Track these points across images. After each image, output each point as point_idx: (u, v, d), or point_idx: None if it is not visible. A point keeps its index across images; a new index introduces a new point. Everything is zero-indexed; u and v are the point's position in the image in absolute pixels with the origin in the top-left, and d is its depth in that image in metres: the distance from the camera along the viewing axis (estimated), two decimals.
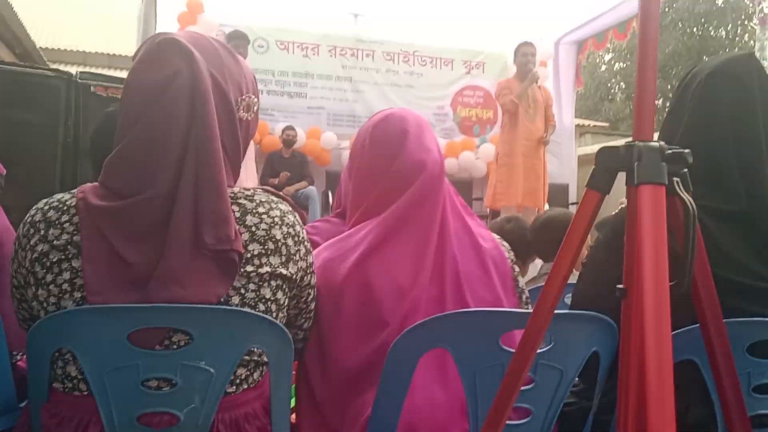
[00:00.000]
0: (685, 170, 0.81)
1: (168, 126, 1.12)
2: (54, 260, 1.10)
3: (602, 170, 0.84)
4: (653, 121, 0.80)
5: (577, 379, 1.39)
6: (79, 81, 4.60)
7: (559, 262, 0.86)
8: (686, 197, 0.78)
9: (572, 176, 8.89)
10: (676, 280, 0.75)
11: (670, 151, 0.78)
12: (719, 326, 0.87)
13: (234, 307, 1.14)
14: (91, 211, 1.12)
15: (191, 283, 1.10)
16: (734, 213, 1.33)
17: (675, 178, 0.79)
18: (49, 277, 1.10)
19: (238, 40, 5.93)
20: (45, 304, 1.10)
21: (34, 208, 1.18)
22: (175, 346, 1.10)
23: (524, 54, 6.05)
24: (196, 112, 1.13)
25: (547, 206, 6.74)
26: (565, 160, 8.89)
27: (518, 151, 5.87)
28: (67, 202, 1.16)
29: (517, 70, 6.15)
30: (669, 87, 20.01)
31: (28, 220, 1.16)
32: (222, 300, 1.13)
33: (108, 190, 1.14)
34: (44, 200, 1.19)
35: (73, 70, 5.08)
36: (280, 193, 1.35)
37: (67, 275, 1.09)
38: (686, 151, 0.79)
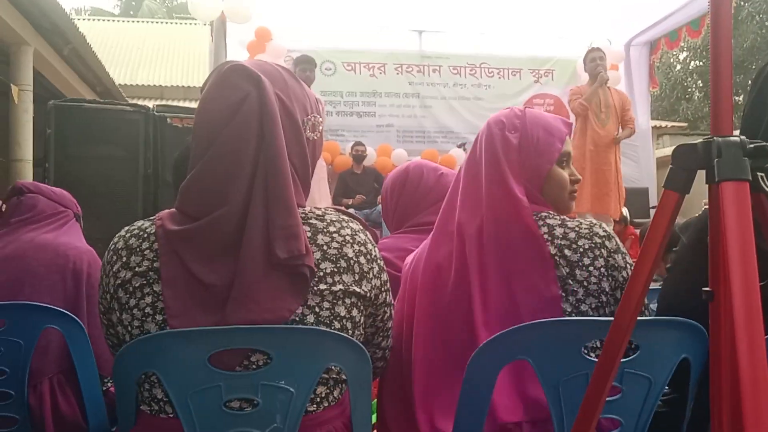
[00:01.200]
0: None
1: (239, 147, 1.15)
2: (136, 285, 1.14)
3: (680, 169, 0.80)
4: (731, 115, 0.77)
5: (667, 387, 1.34)
6: (156, 114, 4.77)
7: (640, 267, 0.83)
8: None
9: (651, 180, 8.65)
10: (766, 280, 0.71)
11: (752, 146, 0.74)
12: None
13: (310, 326, 1.15)
14: (168, 236, 1.16)
15: (265, 299, 1.12)
16: None
17: (759, 173, 0.75)
18: (132, 302, 1.13)
19: (305, 64, 6.04)
20: (129, 328, 1.14)
21: (117, 236, 1.23)
22: (254, 367, 1.12)
23: (593, 59, 5.99)
24: (264, 133, 1.16)
25: (626, 211, 6.59)
26: (643, 164, 8.67)
27: (586, 157, 5.74)
28: (147, 230, 1.20)
29: (589, 76, 6.07)
30: (749, 82, 19.26)
31: (112, 248, 1.21)
32: (297, 318, 1.14)
33: (184, 214, 1.18)
34: (126, 228, 1.23)
35: (150, 104, 5.27)
36: (351, 212, 1.37)
37: (149, 299, 1.13)
38: None
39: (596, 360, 1.21)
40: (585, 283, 1.40)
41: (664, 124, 14.39)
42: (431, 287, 1.49)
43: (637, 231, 7.26)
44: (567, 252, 1.41)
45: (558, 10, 7.70)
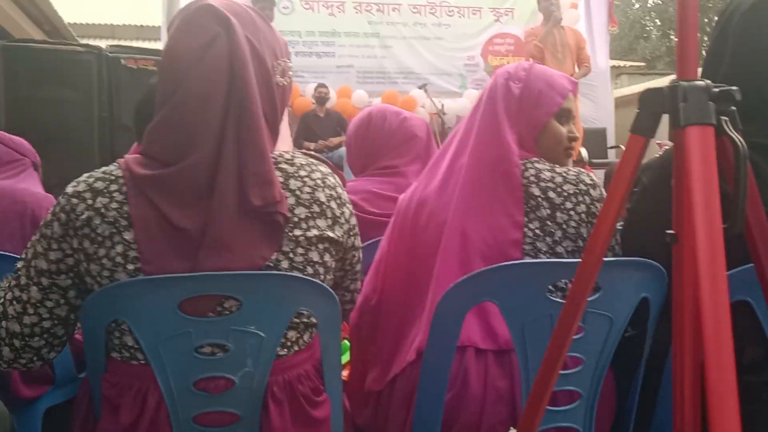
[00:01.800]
0: (734, 108, 0.78)
1: (208, 90, 1.12)
2: (105, 234, 1.10)
3: (646, 113, 0.81)
4: (697, 60, 0.77)
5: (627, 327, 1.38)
6: (110, 54, 4.62)
7: (606, 209, 0.85)
8: (736, 136, 0.76)
9: (609, 119, 8.71)
10: (728, 221, 0.73)
11: (717, 90, 0.75)
12: None
13: (280, 272, 1.15)
14: (137, 181, 1.12)
15: (239, 246, 1.12)
16: None
17: (723, 117, 0.76)
18: (101, 252, 1.10)
19: (264, 2, 5.89)
20: (98, 278, 1.11)
21: (74, 181, 1.17)
22: (228, 312, 1.12)
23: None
24: (235, 77, 1.13)
25: (584, 151, 6.67)
26: (602, 104, 8.70)
27: None
28: (113, 173, 1.15)
29: (543, 17, 6.07)
30: (706, 21, 19.41)
31: (71, 192, 1.14)
32: (271, 264, 1.14)
33: (151, 158, 1.14)
34: (85, 175, 1.18)
35: (102, 44, 5.10)
36: (317, 155, 1.36)
37: (119, 248, 1.10)
38: (734, 88, 0.76)
39: (561, 301, 1.24)
40: (564, 226, 1.46)
41: (622, 63, 14.44)
42: (411, 223, 1.56)
43: (595, 171, 7.37)
44: (551, 194, 1.47)
45: None
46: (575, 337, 1.27)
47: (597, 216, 1.44)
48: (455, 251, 1.45)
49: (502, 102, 1.56)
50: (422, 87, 7.85)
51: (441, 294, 1.31)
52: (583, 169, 1.54)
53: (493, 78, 1.63)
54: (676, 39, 0.78)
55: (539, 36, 5.83)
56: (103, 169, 1.18)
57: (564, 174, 1.50)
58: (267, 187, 1.12)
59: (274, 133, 1.25)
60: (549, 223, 1.46)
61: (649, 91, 0.81)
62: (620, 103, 9.57)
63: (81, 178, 1.17)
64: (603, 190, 1.51)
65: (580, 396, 1.33)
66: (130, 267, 1.10)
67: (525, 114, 1.56)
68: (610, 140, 8.44)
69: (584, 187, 1.49)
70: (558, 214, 1.46)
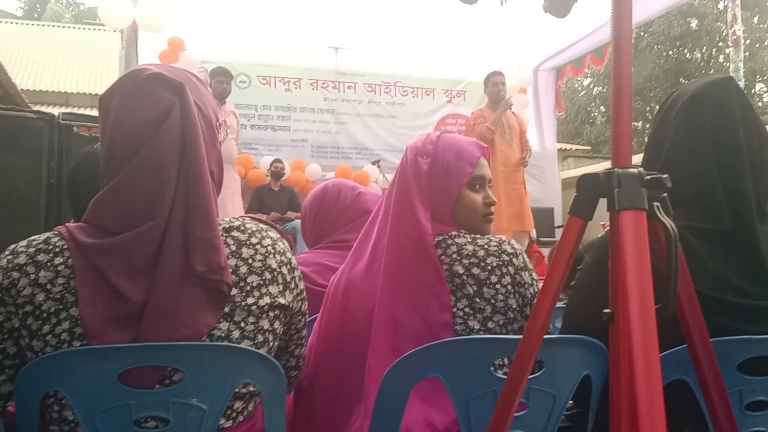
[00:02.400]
0: (665, 195, 0.83)
1: (164, 159, 1.13)
2: (51, 311, 1.07)
3: (584, 197, 0.85)
4: (631, 148, 0.82)
5: (571, 402, 1.39)
6: (62, 122, 4.59)
7: (546, 287, 0.88)
8: (667, 221, 0.80)
9: (557, 200, 8.96)
10: (662, 302, 0.77)
11: (649, 177, 0.80)
12: (706, 345, 0.89)
13: (222, 343, 1.14)
14: (85, 250, 1.10)
15: (182, 314, 1.10)
16: (719, 232, 1.35)
17: (655, 203, 0.80)
18: (46, 329, 1.07)
19: (222, 76, 5.98)
20: (41, 354, 1.08)
21: (10, 250, 1.13)
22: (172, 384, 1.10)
23: (495, 84, 6.19)
24: (186, 144, 1.15)
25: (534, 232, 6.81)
26: (549, 184, 8.96)
27: (498, 177, 5.92)
28: (56, 244, 1.12)
29: (489, 99, 6.28)
30: (648, 109, 20.29)
31: (10, 265, 1.10)
32: (222, 335, 1.14)
33: (96, 228, 1.12)
34: (23, 243, 1.14)
35: (55, 111, 5.07)
36: (266, 219, 1.37)
37: (66, 325, 1.07)
38: (665, 176, 0.81)
39: (504, 377, 1.25)
40: (492, 301, 1.45)
41: (568, 146, 14.92)
42: (340, 309, 1.53)
43: (542, 249, 7.51)
44: (475, 270, 1.45)
45: (471, 32, 7.89)
46: (518, 413, 1.29)
47: (523, 285, 1.47)
48: (386, 338, 1.42)
49: (412, 179, 1.54)
50: (375, 162, 7.97)
51: (375, 383, 1.29)
52: (504, 237, 1.52)
53: (404, 154, 1.61)
54: (612, 128, 0.83)
55: (488, 119, 6.03)
56: (43, 238, 1.15)
57: (486, 246, 1.48)
58: (212, 252, 1.12)
59: (218, 191, 1.27)
60: (477, 299, 1.44)
61: (586, 177, 0.85)
62: (567, 184, 9.85)
63: (20, 248, 1.13)
64: (526, 256, 1.51)
65: None
66: (76, 344, 1.07)
67: (436, 189, 1.54)
68: (558, 219, 8.65)
69: (507, 258, 1.47)
70: (485, 289, 1.44)
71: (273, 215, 7.30)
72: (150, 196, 1.12)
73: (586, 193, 0.85)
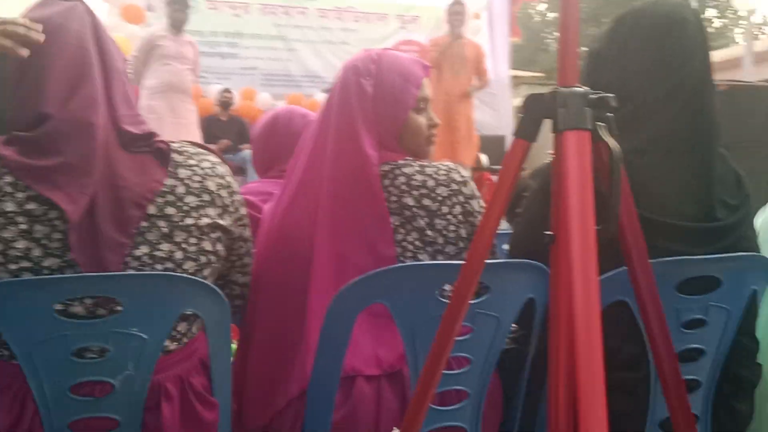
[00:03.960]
0: (610, 114, 0.81)
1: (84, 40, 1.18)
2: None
3: (529, 118, 0.83)
4: (577, 67, 0.80)
5: (515, 325, 1.41)
6: None
7: (489, 210, 0.87)
8: (611, 141, 0.79)
9: (509, 127, 8.94)
10: (603, 225, 0.76)
11: (594, 96, 0.78)
12: (645, 267, 0.89)
13: (163, 272, 1.13)
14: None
15: (131, 173, 1.12)
16: (663, 151, 1.36)
17: (600, 123, 0.79)
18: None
19: (178, 4, 5.72)
20: None
21: None
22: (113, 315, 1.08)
23: (454, 12, 6.26)
24: (98, 34, 1.20)
25: (484, 157, 6.86)
26: (502, 112, 8.95)
27: (439, 107, 5.95)
28: None
29: (449, 28, 6.32)
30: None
31: None
32: (165, 255, 1.13)
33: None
34: None
35: None
36: (207, 146, 1.34)
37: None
38: (610, 95, 0.80)
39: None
40: (444, 232, 1.43)
41: (522, 73, 14.87)
42: (273, 248, 1.48)
43: (493, 177, 7.56)
44: (426, 201, 1.42)
45: None
46: (463, 337, 1.30)
47: (473, 214, 1.45)
48: (329, 275, 1.38)
49: (356, 103, 1.45)
50: (326, 91, 7.83)
51: (317, 319, 1.27)
52: (451, 164, 1.49)
53: (342, 74, 1.51)
54: (558, 46, 0.81)
55: (441, 47, 6.02)
56: None
57: (435, 175, 1.43)
58: (141, 123, 1.19)
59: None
60: (429, 232, 1.41)
61: (531, 97, 0.83)
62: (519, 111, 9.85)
63: None
64: (473, 184, 1.49)
65: (467, 395, 1.34)
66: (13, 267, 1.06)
67: (382, 113, 1.46)
68: (509, 147, 8.67)
69: (456, 187, 1.44)
70: (436, 220, 1.42)
71: (222, 143, 7.18)
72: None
73: (531, 113, 0.83)
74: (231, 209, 1.25)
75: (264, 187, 2.17)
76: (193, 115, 5.92)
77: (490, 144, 7.41)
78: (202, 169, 1.21)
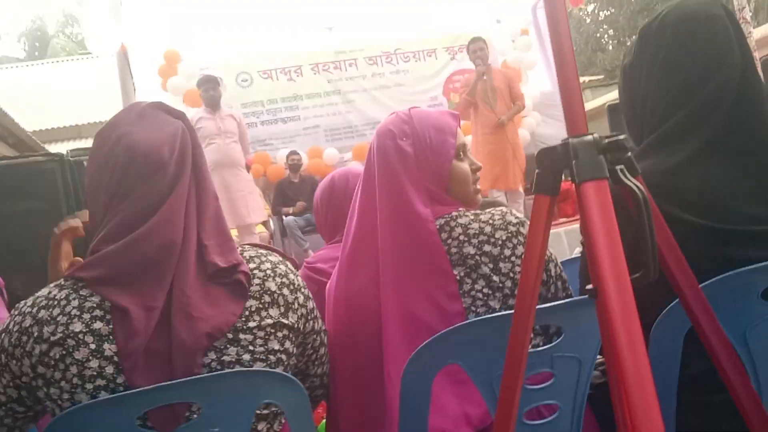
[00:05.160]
0: (629, 154, 0.79)
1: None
2: (57, 357, 1.10)
3: (546, 173, 0.82)
4: (584, 115, 0.78)
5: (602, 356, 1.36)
6: (71, 159, 4.62)
7: (526, 270, 0.85)
8: (634, 184, 0.76)
9: None
10: (642, 271, 0.73)
11: (607, 141, 0.76)
12: (697, 295, 0.85)
13: (237, 369, 1.15)
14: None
15: (206, 307, 1.13)
16: (720, 156, 1.30)
17: (618, 167, 0.77)
18: (57, 375, 1.09)
19: (207, 84, 5.98)
20: (59, 401, 1.10)
21: (17, 312, 1.16)
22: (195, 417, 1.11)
23: (474, 51, 6.31)
24: (196, 166, 1.24)
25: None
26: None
27: (478, 141, 6.17)
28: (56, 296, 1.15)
29: (474, 66, 6.37)
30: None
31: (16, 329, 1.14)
32: (233, 359, 1.15)
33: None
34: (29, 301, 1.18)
35: (69, 146, 5.10)
36: (267, 245, 1.37)
37: (74, 369, 1.09)
38: (622, 137, 0.77)
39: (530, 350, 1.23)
40: (511, 274, 1.40)
41: (583, 79, 14.64)
42: (342, 321, 1.49)
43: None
44: (487, 247, 1.41)
45: None
46: (545, 384, 1.27)
47: None
48: (401, 338, 1.38)
49: (399, 164, 1.46)
50: None
51: (397, 387, 1.27)
52: (504, 209, 1.48)
53: (378, 140, 1.52)
54: (561, 99, 0.79)
55: (470, 86, 6.20)
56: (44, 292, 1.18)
57: (490, 221, 1.43)
58: (229, 252, 1.19)
59: None
60: (495, 278, 1.39)
61: (544, 151, 0.81)
62: (588, 117, 9.65)
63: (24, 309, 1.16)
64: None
65: None
66: (89, 386, 1.09)
67: (426, 169, 1.47)
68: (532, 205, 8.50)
69: (514, 228, 1.43)
70: (501, 264, 1.40)
71: (298, 205, 7.32)
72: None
73: (547, 167, 0.81)
74: (294, 306, 1.26)
75: (332, 252, 2.18)
76: (249, 184, 6.08)
77: None
78: (262, 271, 1.23)
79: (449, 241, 1.42)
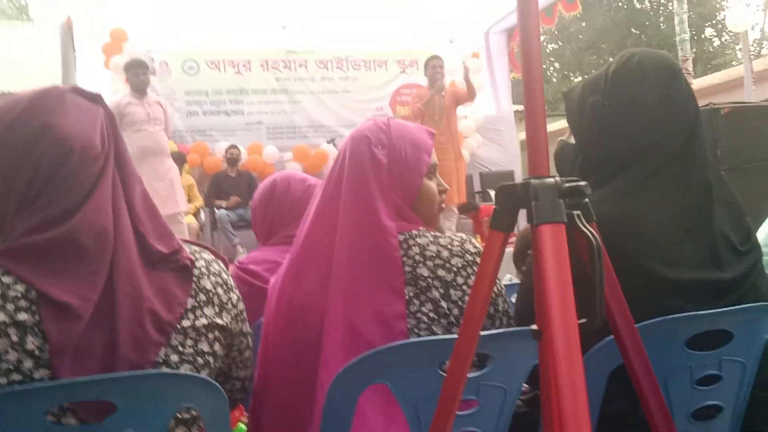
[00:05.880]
0: (586, 201, 0.80)
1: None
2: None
3: (503, 210, 0.82)
4: (547, 157, 0.79)
5: (527, 386, 1.38)
6: None
7: (472, 302, 0.85)
8: (588, 231, 0.77)
9: (516, 162, 8.99)
10: (588, 317, 0.74)
11: (567, 186, 0.77)
12: (633, 335, 0.87)
13: (161, 371, 1.11)
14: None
15: (156, 297, 1.10)
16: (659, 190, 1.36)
17: (576, 212, 0.78)
18: None
19: (136, 68, 5.82)
20: None
21: None
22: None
23: (433, 66, 6.48)
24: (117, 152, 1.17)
25: (492, 192, 6.93)
26: (508, 147, 8.99)
27: None
28: None
29: (429, 81, 6.53)
30: (602, 62, 20.40)
31: None
32: (161, 360, 1.11)
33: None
34: None
35: None
36: (195, 240, 1.34)
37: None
38: (583, 183, 0.78)
39: None
40: (459, 303, 1.39)
41: (521, 107, 14.91)
42: (283, 321, 1.46)
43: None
44: (441, 272, 1.39)
45: (419, 1, 7.79)
46: (470, 411, 1.27)
47: None
48: (341, 348, 1.35)
49: (371, 173, 1.43)
50: (330, 141, 7.91)
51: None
52: (464, 236, 1.47)
53: (352, 143, 1.48)
54: (526, 139, 0.80)
55: (424, 100, 6.33)
56: None
57: (449, 246, 1.42)
58: (168, 238, 1.16)
59: None
60: (443, 303, 1.38)
61: (504, 188, 0.82)
62: (526, 145, 9.88)
63: None
64: None
65: None
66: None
67: (397, 182, 1.44)
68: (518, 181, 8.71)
69: (471, 257, 1.42)
70: (451, 291, 1.38)
71: (232, 200, 7.23)
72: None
73: (505, 205, 0.82)
74: (228, 306, 1.23)
75: (267, 255, 2.15)
76: (174, 172, 5.97)
77: (499, 179, 7.43)
78: (197, 269, 1.20)
79: (405, 259, 1.40)
